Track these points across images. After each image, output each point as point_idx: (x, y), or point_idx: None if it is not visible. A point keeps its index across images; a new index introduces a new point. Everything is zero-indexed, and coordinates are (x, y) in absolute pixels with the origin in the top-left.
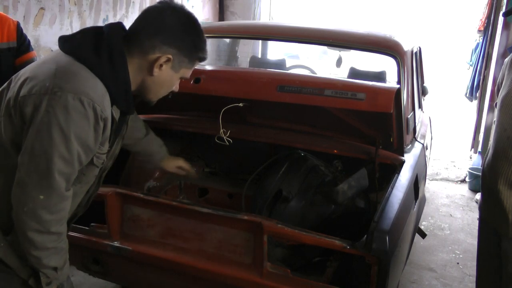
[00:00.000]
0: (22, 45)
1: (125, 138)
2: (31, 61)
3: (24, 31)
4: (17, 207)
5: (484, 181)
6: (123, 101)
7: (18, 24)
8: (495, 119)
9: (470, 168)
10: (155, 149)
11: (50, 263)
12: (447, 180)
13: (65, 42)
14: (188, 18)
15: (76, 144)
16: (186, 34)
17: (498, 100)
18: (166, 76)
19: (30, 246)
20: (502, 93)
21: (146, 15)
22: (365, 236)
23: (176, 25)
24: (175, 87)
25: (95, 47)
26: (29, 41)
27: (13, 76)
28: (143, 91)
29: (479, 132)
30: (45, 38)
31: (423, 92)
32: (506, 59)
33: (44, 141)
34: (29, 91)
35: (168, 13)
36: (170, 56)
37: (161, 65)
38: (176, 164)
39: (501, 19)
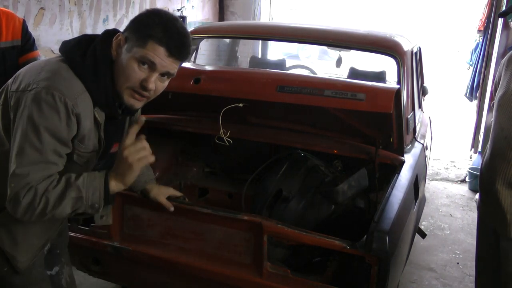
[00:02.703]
0: (26, 44)
1: None
2: (34, 60)
3: None
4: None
5: (482, 181)
6: (104, 104)
7: (24, 22)
8: (492, 119)
9: (470, 168)
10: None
11: (66, 210)
12: (447, 180)
13: (62, 44)
14: (155, 10)
15: (47, 135)
16: (141, 16)
17: (495, 100)
18: (123, 59)
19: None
20: (499, 93)
21: None
22: (365, 236)
23: (139, 15)
24: (148, 82)
25: (83, 51)
26: (33, 40)
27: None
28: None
29: (479, 132)
30: (45, 38)
31: (423, 92)
32: (503, 60)
33: (22, 133)
34: (17, 88)
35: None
36: (121, 35)
37: (117, 47)
38: (167, 193)
39: (501, 19)
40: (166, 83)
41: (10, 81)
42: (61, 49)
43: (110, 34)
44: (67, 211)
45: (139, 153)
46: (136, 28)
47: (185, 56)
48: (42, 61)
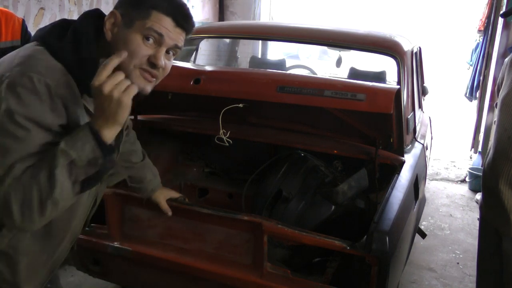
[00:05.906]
0: (26, 44)
1: (120, 159)
2: None
3: None
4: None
5: (485, 181)
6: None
7: (23, 22)
8: (495, 119)
9: (470, 168)
10: (148, 176)
11: (66, 185)
12: (447, 180)
13: (36, 31)
14: None
15: (30, 125)
16: None
17: (498, 100)
18: (123, 36)
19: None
20: (502, 93)
21: None
22: (365, 236)
23: None
24: (158, 58)
25: (60, 32)
26: None
27: None
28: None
29: (479, 132)
30: None
31: (423, 92)
32: (506, 59)
33: (1, 132)
34: None
35: None
36: (115, 12)
37: (113, 26)
38: (168, 195)
39: (501, 19)
40: (172, 60)
41: None
42: (35, 35)
43: (91, 14)
44: (67, 185)
45: (122, 84)
46: (133, 1)
47: (191, 28)
48: (17, 50)
